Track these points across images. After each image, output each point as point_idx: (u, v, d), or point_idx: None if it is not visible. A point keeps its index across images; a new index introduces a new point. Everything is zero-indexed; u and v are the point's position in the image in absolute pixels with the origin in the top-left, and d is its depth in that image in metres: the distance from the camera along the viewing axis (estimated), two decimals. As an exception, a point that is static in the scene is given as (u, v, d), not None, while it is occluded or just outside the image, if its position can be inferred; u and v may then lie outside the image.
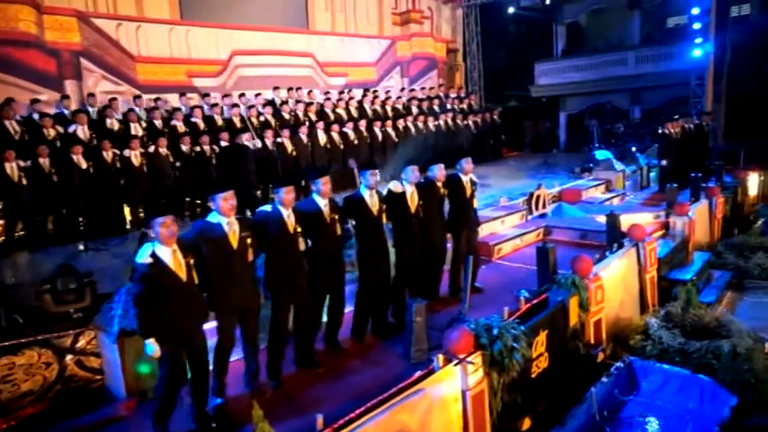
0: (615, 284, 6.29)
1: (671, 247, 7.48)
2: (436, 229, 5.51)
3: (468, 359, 3.94)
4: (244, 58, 12.53)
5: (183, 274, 3.45)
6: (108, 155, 7.94)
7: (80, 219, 7.72)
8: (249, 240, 3.82)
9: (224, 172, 7.84)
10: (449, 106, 14.22)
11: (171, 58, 11.46)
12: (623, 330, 6.17)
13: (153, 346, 3.36)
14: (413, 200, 5.14)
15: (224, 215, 3.78)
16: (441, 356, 3.94)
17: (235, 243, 3.74)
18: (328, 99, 11.93)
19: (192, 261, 3.52)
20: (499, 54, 20.62)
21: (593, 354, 5.37)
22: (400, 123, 12.05)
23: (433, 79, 16.96)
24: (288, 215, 4.10)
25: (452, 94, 15.28)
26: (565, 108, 20.41)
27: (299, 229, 4.14)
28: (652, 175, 11.39)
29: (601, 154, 11.04)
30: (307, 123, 10.68)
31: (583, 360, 5.29)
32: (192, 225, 3.79)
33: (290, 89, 11.79)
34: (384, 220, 4.90)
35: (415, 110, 13.41)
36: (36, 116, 8.50)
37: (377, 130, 11.43)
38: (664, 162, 10.29)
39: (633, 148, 11.93)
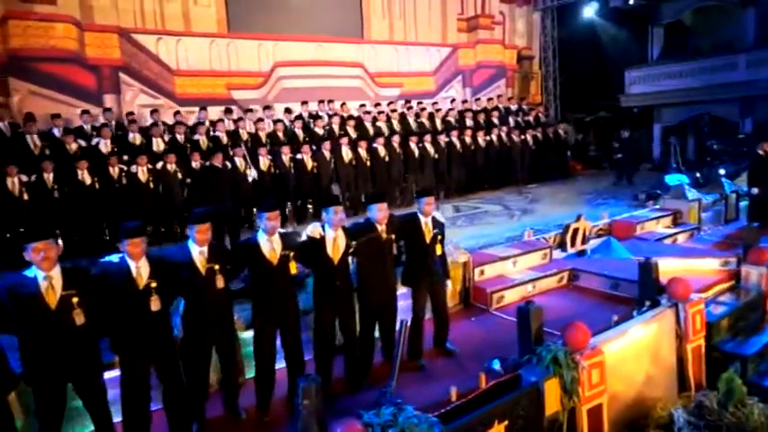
0: (638, 355, 4.92)
1: (733, 306, 5.83)
2: (376, 283, 4.43)
3: (353, 468, 3.03)
4: (287, 70, 12.25)
5: None
6: (114, 170, 7.88)
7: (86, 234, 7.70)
8: (75, 300, 3.14)
9: (196, 196, 7.41)
10: (507, 120, 12.92)
11: (211, 71, 11.44)
12: (647, 417, 4.80)
13: None
14: (335, 248, 4.16)
15: (198, 245, 3.68)
16: (325, 457, 3.07)
17: (53, 303, 3.09)
18: (367, 113, 11.23)
19: None
20: (585, 60, 18.72)
21: (579, 455, 4.12)
22: (442, 139, 11.03)
23: (500, 89, 15.67)
24: (137, 268, 3.42)
25: (513, 106, 13.91)
26: (660, 119, 18.00)
27: (153, 285, 3.42)
28: (743, 204, 9.34)
29: (672, 178, 9.19)
30: (336, 138, 10.10)
31: (562, 463, 4.07)
32: (5, 277, 3.17)
33: (320, 102, 11.25)
34: (293, 270, 3.99)
35: (469, 122, 12.32)
36: (86, 127, 8.92)
37: (413, 145, 10.52)
38: (755, 190, 8.33)
39: (721, 171, 9.86)
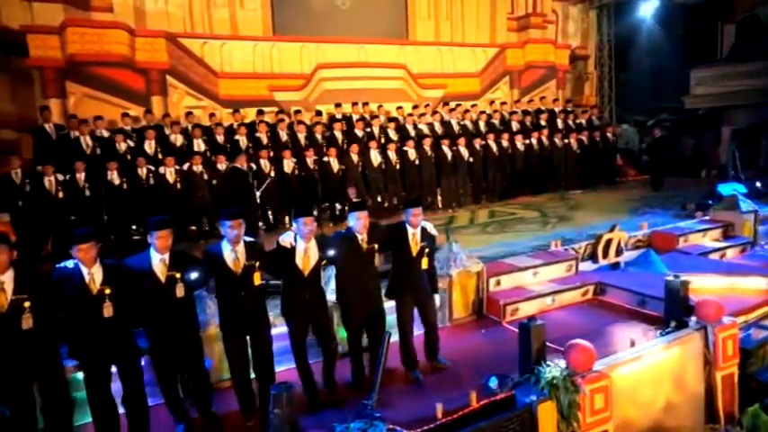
0: (657, 380, 4.58)
1: (778, 332, 5.29)
2: (358, 293, 4.33)
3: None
4: (328, 72, 12.31)
5: None
6: (142, 171, 8.20)
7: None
8: (27, 304, 3.23)
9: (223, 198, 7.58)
10: (551, 122, 12.44)
11: (253, 74, 11.69)
12: (665, 447, 4.44)
13: None
14: (306, 259, 4.06)
15: (159, 252, 3.71)
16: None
17: (3, 307, 3.19)
18: (393, 120, 11.20)
19: None
20: (645, 60, 17.74)
21: (575, 486, 3.85)
22: (478, 142, 10.75)
23: (550, 90, 15.10)
24: (90, 274, 3.46)
25: (558, 108, 13.39)
26: (729, 122, 16.74)
27: (107, 291, 3.46)
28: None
29: (726, 188, 8.46)
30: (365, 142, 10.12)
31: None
32: None
33: (354, 104, 11.25)
34: (257, 281, 3.91)
35: (515, 125, 11.97)
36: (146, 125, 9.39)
37: (446, 148, 10.32)
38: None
39: (786, 181, 9.00)
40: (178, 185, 8.23)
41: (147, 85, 10.66)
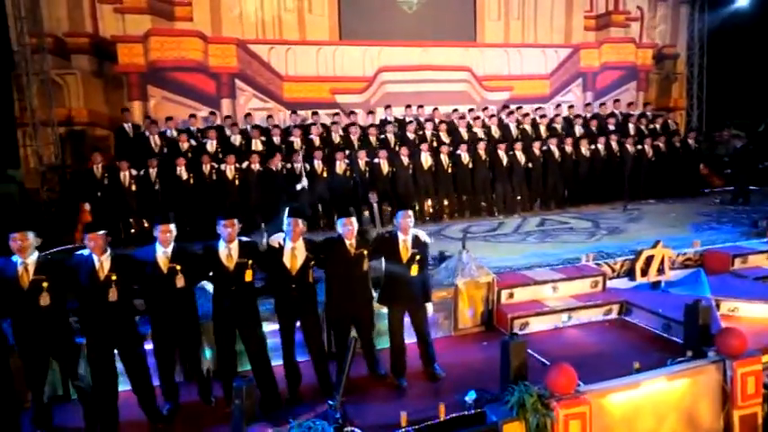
0: (660, 413, 4.31)
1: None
2: (344, 297, 4.43)
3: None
4: (390, 74, 12.49)
5: None
6: (207, 168, 8.83)
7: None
8: (45, 284, 3.69)
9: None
10: (625, 127, 11.72)
11: (317, 77, 12.13)
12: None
13: None
14: (293, 258, 4.22)
15: (162, 245, 4.08)
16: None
17: (25, 285, 3.68)
18: (442, 121, 11.13)
19: None
20: (747, 57, 15.98)
21: None
22: (537, 146, 10.39)
23: (630, 93, 14.19)
24: (100, 261, 3.85)
25: (635, 112, 12.52)
26: None
27: (113, 278, 3.83)
28: None
29: (806, 205, 7.51)
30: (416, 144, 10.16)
31: None
32: None
33: (407, 107, 11.30)
34: (248, 278, 4.15)
35: (579, 129, 11.44)
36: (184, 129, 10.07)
37: (501, 153, 10.07)
38: None
39: None
40: (236, 182, 8.76)
41: (218, 88, 11.48)
